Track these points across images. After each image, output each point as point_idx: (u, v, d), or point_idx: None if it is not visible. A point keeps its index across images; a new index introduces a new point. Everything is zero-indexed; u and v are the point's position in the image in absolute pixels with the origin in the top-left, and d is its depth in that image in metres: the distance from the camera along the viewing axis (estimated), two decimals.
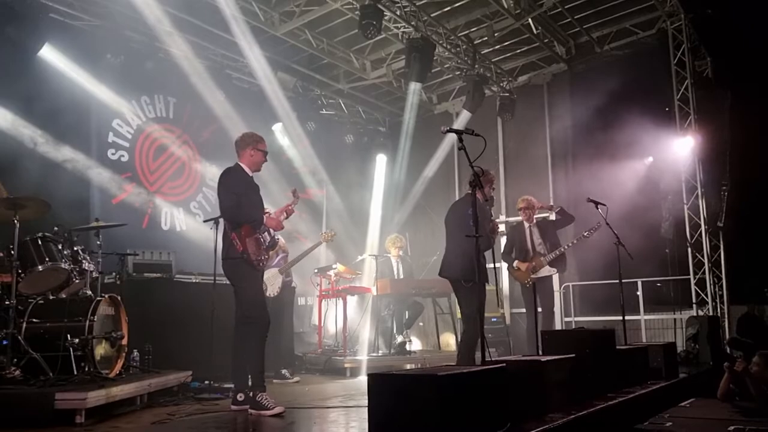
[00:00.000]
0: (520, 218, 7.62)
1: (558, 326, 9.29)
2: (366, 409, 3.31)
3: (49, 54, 7.99)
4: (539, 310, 6.99)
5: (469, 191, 4.45)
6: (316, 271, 9.20)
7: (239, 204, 4.98)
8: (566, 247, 7.33)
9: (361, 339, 9.03)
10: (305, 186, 11.25)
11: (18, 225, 5.10)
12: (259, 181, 5.36)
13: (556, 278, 8.27)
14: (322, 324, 9.27)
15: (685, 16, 9.40)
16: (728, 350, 7.86)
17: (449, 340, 9.99)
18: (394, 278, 9.00)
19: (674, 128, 9.46)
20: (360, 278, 9.87)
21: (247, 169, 5.19)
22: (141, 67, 9.00)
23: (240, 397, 4.95)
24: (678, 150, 9.42)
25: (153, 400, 5.40)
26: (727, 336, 8.67)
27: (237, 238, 4.92)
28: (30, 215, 5.31)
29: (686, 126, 9.40)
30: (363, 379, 7.50)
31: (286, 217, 5.39)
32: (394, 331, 8.88)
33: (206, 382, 6.05)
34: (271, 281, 7.39)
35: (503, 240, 8.20)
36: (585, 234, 7.18)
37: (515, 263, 7.42)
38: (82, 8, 8.45)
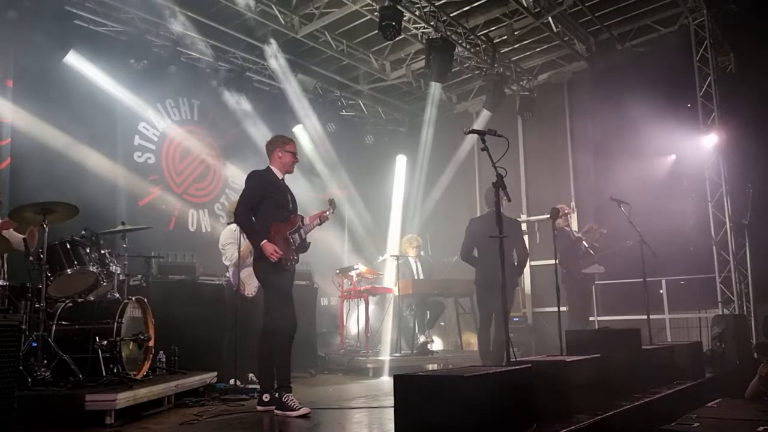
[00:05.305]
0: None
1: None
2: (389, 409, 3.35)
3: (74, 60, 8.10)
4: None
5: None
6: (337, 271, 9.25)
7: (251, 207, 5.03)
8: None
9: (384, 339, 9.06)
10: (326, 187, 11.28)
11: (47, 229, 5.18)
12: None
13: None
14: (344, 324, 9.31)
15: (707, 11, 9.28)
16: (755, 355, 7.76)
17: (471, 340, 9.97)
18: (414, 278, 9.02)
19: (697, 125, 9.32)
20: (381, 279, 9.91)
21: (277, 172, 5.25)
22: (164, 71, 9.09)
23: (266, 397, 4.99)
24: (701, 147, 9.29)
25: (180, 400, 5.47)
26: (754, 334, 8.56)
27: None
28: (58, 219, 5.39)
29: (710, 123, 9.27)
30: (385, 380, 7.54)
31: (320, 224, 5.44)
32: (416, 331, 8.89)
33: (231, 382, 6.11)
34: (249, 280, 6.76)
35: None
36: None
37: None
38: (106, 14, 8.55)
